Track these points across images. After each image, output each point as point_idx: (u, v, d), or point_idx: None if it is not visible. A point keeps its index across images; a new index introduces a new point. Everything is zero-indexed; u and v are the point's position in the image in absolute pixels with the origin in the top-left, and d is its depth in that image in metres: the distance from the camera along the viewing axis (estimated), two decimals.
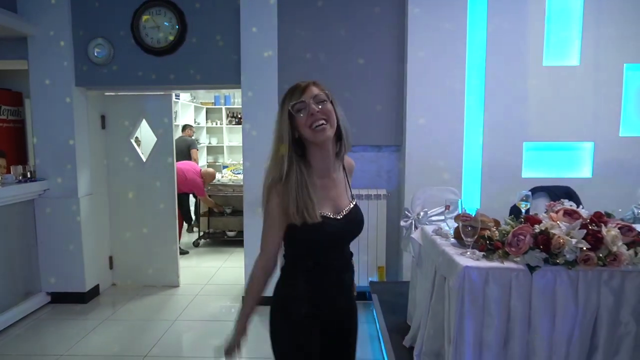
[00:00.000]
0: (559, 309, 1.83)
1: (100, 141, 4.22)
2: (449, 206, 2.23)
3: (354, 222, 1.48)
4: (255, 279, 1.42)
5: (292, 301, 1.45)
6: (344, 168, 1.53)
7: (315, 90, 1.38)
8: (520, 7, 3.50)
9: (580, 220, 1.77)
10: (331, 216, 1.42)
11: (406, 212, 2.83)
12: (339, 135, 1.44)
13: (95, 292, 4.11)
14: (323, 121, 1.36)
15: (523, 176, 3.58)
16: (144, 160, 4.32)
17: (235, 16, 3.67)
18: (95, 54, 3.81)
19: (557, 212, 1.85)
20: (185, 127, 6.72)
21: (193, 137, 6.73)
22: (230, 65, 3.76)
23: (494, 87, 3.54)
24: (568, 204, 1.90)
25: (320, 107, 1.36)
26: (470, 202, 3.58)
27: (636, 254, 1.74)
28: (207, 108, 8.56)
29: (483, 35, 3.53)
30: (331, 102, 1.40)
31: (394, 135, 3.75)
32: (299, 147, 1.40)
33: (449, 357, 1.91)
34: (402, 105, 3.69)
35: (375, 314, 3.29)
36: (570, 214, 1.81)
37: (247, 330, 1.43)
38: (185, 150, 6.25)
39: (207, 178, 5.83)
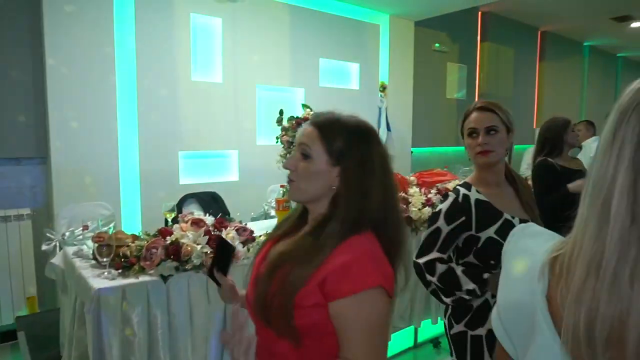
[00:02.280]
0: (194, 309, 2.04)
1: None
2: (86, 226, 2.14)
3: None
4: None
5: None
6: None
7: None
8: (167, 23, 3.67)
9: (205, 227, 2.02)
10: None
11: (48, 234, 2.56)
12: None
13: None
14: None
15: (180, 183, 3.80)
16: None
17: None
18: None
19: (186, 222, 2.05)
20: None
21: None
22: None
23: (146, 99, 3.60)
24: (197, 214, 2.12)
25: None
26: (130, 214, 3.55)
27: (249, 249, 2.12)
28: None
29: (132, 47, 3.53)
30: None
31: (38, 146, 3.32)
32: None
33: None
34: (45, 114, 3.29)
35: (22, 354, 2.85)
36: (197, 223, 2.04)
37: None
38: None
39: None
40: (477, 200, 1.55)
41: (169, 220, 2.53)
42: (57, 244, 2.55)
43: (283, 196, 2.68)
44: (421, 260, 1.56)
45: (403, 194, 2.95)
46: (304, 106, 2.55)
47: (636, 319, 0.54)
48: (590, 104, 8.93)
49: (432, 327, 3.19)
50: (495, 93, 6.82)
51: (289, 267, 0.96)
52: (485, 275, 1.47)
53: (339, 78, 4.92)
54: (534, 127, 7.59)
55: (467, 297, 1.49)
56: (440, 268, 1.52)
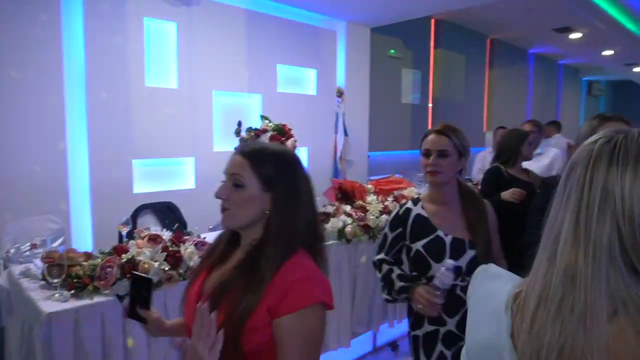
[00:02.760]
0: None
1: None
2: (35, 244, 2.04)
3: None
4: None
5: None
6: None
7: None
8: (119, 28, 3.54)
9: (162, 243, 1.97)
10: None
11: None
12: None
13: None
14: None
15: (134, 192, 3.68)
16: None
17: None
18: None
19: (143, 238, 2.00)
20: None
21: None
22: None
23: (97, 105, 3.46)
24: (154, 229, 2.07)
25: None
26: (81, 227, 3.41)
27: None
28: None
29: (81, 52, 3.38)
30: None
31: None
32: None
33: None
34: None
35: None
36: (154, 239, 1.99)
37: None
38: None
39: None
40: (416, 215, 1.72)
41: (124, 234, 2.45)
42: (2, 262, 2.41)
43: None
44: (374, 259, 1.84)
45: (361, 202, 3.00)
46: (263, 117, 2.54)
47: (569, 350, 0.60)
48: (535, 107, 9.41)
49: (390, 330, 3.27)
50: (447, 98, 7.05)
51: (233, 297, 0.98)
52: (398, 284, 1.66)
53: (297, 84, 4.93)
54: (484, 130, 7.91)
55: (388, 297, 1.72)
56: (385, 268, 1.76)
